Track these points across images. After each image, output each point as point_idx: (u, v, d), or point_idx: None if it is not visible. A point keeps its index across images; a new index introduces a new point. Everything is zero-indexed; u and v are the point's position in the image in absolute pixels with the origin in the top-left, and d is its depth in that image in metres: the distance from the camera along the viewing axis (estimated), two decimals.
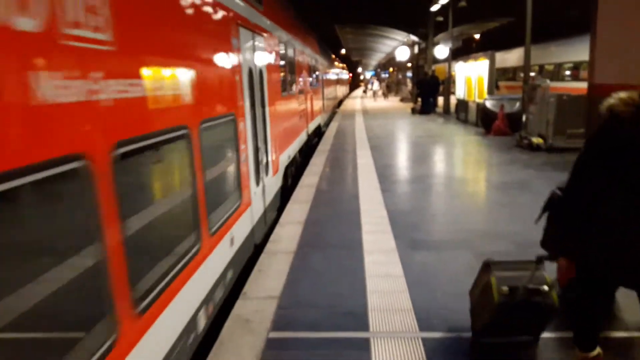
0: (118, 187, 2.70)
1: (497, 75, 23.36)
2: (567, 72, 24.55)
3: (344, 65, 61.85)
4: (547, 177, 9.95)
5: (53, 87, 2.21)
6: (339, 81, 40.82)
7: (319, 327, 4.29)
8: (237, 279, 5.44)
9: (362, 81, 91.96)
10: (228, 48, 5.43)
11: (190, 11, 4.26)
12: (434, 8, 26.30)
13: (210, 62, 4.79)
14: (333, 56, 37.39)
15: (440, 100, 27.91)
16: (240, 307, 4.69)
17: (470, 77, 21.73)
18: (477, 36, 43.04)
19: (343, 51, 63.43)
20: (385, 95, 47.00)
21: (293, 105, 11.72)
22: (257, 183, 6.78)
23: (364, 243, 6.31)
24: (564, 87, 20.58)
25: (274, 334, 4.20)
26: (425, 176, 10.61)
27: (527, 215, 7.39)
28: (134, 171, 3.24)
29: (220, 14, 5.14)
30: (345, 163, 12.42)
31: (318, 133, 18.97)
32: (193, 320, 3.86)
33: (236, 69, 5.71)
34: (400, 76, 50.45)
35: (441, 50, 28.96)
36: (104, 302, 2.59)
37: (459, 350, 3.85)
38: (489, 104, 18.00)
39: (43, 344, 2.28)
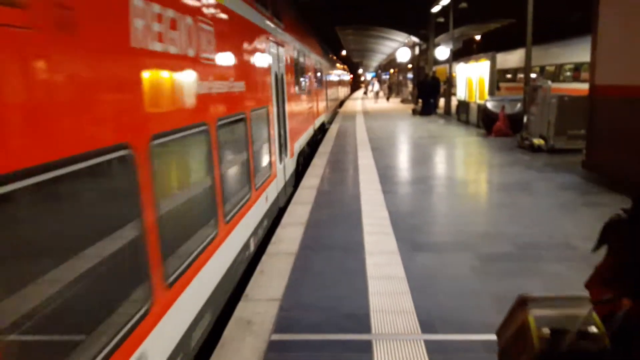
0: (224, 139, 5.06)
1: (498, 77, 23.32)
2: (568, 73, 24.55)
3: (345, 66, 61.90)
4: (548, 178, 9.96)
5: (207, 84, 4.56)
6: (340, 82, 43.81)
7: (320, 329, 4.29)
8: (239, 282, 5.45)
9: (362, 82, 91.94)
10: (265, 58, 7.62)
11: (248, 36, 6.56)
12: (435, 9, 26.33)
13: (255, 69, 7.00)
14: (335, 58, 39.48)
15: (441, 101, 27.92)
16: (242, 309, 4.68)
17: (471, 78, 21.74)
18: (477, 37, 43.07)
19: (344, 52, 63.47)
20: (387, 96, 46.88)
21: (304, 103, 14.18)
22: (280, 161, 8.94)
23: (366, 244, 6.31)
24: (564, 89, 20.58)
25: (276, 336, 4.20)
26: (427, 177, 10.61)
27: (528, 216, 7.42)
28: (228, 136, 5.35)
29: (262, 35, 7.53)
30: (347, 164, 12.43)
31: (322, 129, 20.44)
32: (247, 244, 5.85)
33: (269, 73, 7.94)
34: (400, 77, 50.43)
35: (442, 52, 28.97)
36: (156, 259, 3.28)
37: (461, 352, 3.84)
38: (490, 105, 18.00)
39: (97, 300, 2.74)
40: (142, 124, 3.21)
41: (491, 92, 19.51)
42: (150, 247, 3.19)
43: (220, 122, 4.82)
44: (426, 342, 3.98)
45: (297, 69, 12.40)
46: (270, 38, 8.20)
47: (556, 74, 25.09)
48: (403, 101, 41.80)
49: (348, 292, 4.97)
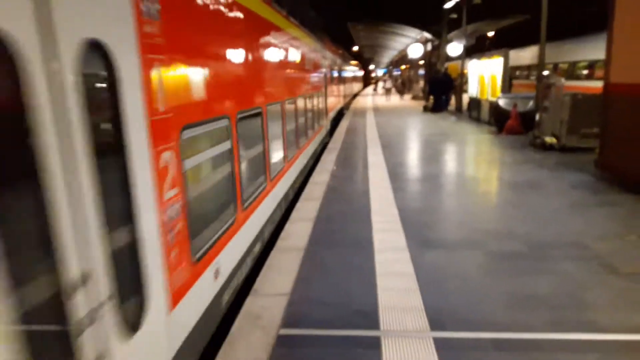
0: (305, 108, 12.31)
1: (511, 74, 23.12)
2: (583, 71, 24.29)
3: (358, 62, 61.87)
4: (560, 177, 9.86)
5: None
6: (354, 78, 51.65)
7: (329, 324, 4.28)
8: (247, 277, 5.47)
9: (373, 79, 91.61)
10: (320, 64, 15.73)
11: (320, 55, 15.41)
12: (448, 5, 26.13)
13: (319, 70, 15.41)
14: (350, 59, 46.92)
15: (452, 98, 27.74)
16: (250, 304, 4.69)
17: (484, 75, 21.58)
18: (490, 34, 42.69)
19: (355, 48, 63.23)
20: (400, 93, 46.40)
21: (335, 91, 23.58)
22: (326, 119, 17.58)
23: (375, 241, 6.29)
24: (578, 87, 20.37)
25: (284, 331, 4.20)
26: (437, 175, 10.55)
27: (539, 215, 7.36)
28: (300, 109, 10.86)
29: (322, 54, 16.60)
30: (356, 161, 12.40)
31: (340, 113, 27.80)
32: (287, 194, 8.65)
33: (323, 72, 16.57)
34: (412, 73, 50.15)
35: (454, 48, 28.77)
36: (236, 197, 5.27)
37: (470, 350, 3.82)
38: (502, 102, 17.85)
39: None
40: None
41: (503, 90, 19.36)
42: (237, 180, 5.16)
43: (291, 100, 9.62)
44: (435, 339, 3.96)
45: (334, 71, 22.32)
46: (322, 54, 16.97)
47: (570, 72, 24.85)
48: (414, 98, 41.58)
49: (357, 288, 4.97)
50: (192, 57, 3.95)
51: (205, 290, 4.07)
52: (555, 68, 25.89)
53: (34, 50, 2.05)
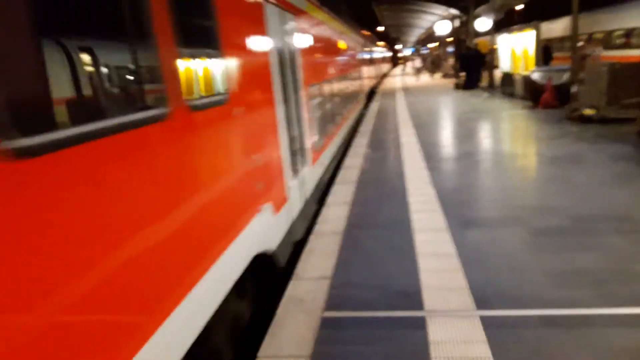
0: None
1: (549, 46, 22.40)
2: (618, 41, 23.38)
3: (385, 43, 61.17)
4: (601, 149, 9.57)
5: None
6: (383, 59, 54.79)
7: (372, 306, 4.30)
8: (289, 262, 5.53)
9: (401, 59, 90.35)
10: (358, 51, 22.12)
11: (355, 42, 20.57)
12: None
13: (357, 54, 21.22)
14: (377, 41, 50.63)
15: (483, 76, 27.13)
16: (293, 288, 4.74)
17: (515, 49, 21.03)
18: (519, 8, 41.45)
19: (381, 29, 62.39)
20: (431, 72, 45.36)
21: (367, 71, 27.31)
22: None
23: (413, 222, 6.25)
24: (614, 57, 19.66)
25: (328, 314, 4.23)
26: (472, 152, 10.39)
27: (581, 189, 7.18)
28: (346, 84, 15.36)
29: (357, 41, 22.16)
30: (389, 142, 12.30)
31: (372, 93, 29.77)
32: (350, 127, 14.92)
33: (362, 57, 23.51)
34: (441, 51, 49.22)
35: (483, 23, 28.05)
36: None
37: (519, 328, 3.78)
38: (535, 76, 17.38)
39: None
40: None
41: (537, 63, 18.84)
42: (331, 111, 10.57)
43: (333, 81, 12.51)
44: (482, 317, 3.93)
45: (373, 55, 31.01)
46: (358, 41, 22.20)
47: (605, 41, 23.96)
48: (444, 76, 40.87)
49: (398, 270, 4.96)
50: (309, 57, 8.72)
51: (322, 160, 9.01)
52: (589, 39, 25.01)
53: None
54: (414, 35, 70.37)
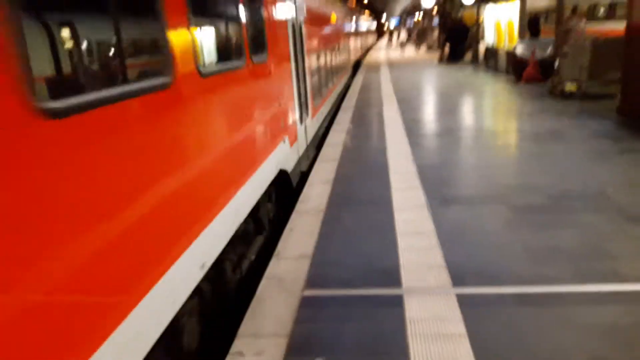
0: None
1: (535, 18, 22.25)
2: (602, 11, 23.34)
3: (370, 13, 60.50)
4: (581, 125, 9.66)
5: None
6: (369, 31, 54.26)
7: (352, 284, 4.34)
8: (268, 240, 5.56)
9: (385, 31, 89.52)
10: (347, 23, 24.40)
11: (345, 14, 22.73)
12: None
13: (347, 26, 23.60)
14: (364, 14, 50.24)
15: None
16: (274, 267, 4.77)
17: (500, 22, 20.93)
18: None
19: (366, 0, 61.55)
20: (417, 45, 44.85)
21: (360, 40, 33.39)
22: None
23: (394, 200, 6.29)
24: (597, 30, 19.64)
25: (308, 292, 4.27)
26: (455, 129, 10.42)
27: (561, 166, 7.26)
28: (340, 50, 18.72)
29: (346, 13, 23.98)
30: (372, 118, 12.27)
31: (357, 64, 30.33)
32: (344, 84, 19.31)
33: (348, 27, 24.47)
34: (426, 23, 48.82)
35: None
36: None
37: (493, 305, 3.85)
38: (519, 49, 17.37)
39: None
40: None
41: (521, 37, 18.78)
42: (331, 67, 13.99)
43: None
44: (458, 295, 4.00)
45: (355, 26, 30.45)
46: (347, 14, 23.93)
47: (590, 13, 23.92)
48: (429, 48, 40.64)
49: (378, 248, 5.00)
50: (310, 29, 10.12)
51: (318, 116, 10.87)
52: (574, 10, 24.93)
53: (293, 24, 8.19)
54: (400, 5, 69.60)
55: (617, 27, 13.12)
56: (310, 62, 9.91)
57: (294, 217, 6.02)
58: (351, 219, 5.83)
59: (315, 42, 11.12)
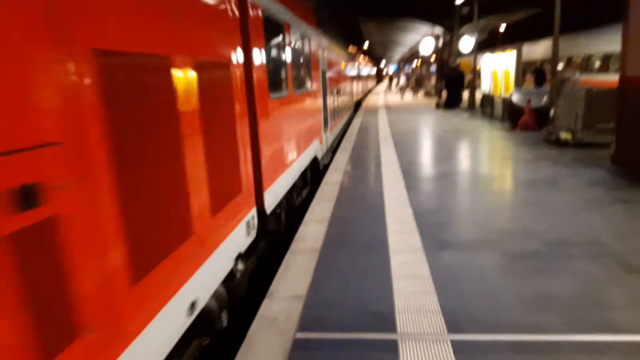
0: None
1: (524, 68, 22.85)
2: (597, 64, 23.96)
3: (370, 59, 61.85)
4: (576, 173, 9.76)
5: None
6: (369, 76, 58.88)
7: (345, 327, 4.29)
8: (263, 279, 5.52)
9: (384, 76, 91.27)
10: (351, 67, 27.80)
11: (349, 59, 25.73)
12: (460, 0, 25.94)
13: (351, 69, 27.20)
14: (367, 59, 54.46)
15: (464, 95, 27.55)
16: (266, 307, 4.71)
17: (496, 70, 21.40)
18: (501, 30, 42.31)
19: (366, 45, 63.03)
20: (414, 91, 45.25)
21: (361, 83, 37.74)
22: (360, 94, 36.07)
23: (390, 242, 6.28)
24: (592, 81, 20.11)
25: (301, 334, 4.21)
26: (451, 173, 10.50)
27: (556, 213, 7.29)
28: (344, 90, 22.06)
29: (350, 58, 27.06)
30: (369, 160, 12.37)
31: (358, 104, 33.24)
32: (348, 116, 23.59)
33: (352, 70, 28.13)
34: (424, 70, 49.84)
35: (466, 43, 28.57)
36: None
37: (488, 352, 3.80)
38: (515, 98, 17.70)
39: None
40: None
41: (517, 85, 19.18)
42: (330, 106, 14.94)
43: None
44: (453, 342, 3.95)
45: (357, 68, 32.77)
46: (351, 58, 26.91)
47: (584, 65, 24.53)
48: (426, 94, 41.36)
49: (373, 291, 4.96)
50: (330, 70, 14.65)
51: (333, 132, 15.25)
52: (568, 62, 25.60)
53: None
54: (399, 53, 71.25)
55: (611, 79, 13.46)
56: (328, 96, 14.01)
57: (288, 256, 5.99)
58: (347, 260, 5.80)
59: (332, 82, 15.44)
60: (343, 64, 20.90)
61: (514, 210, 7.77)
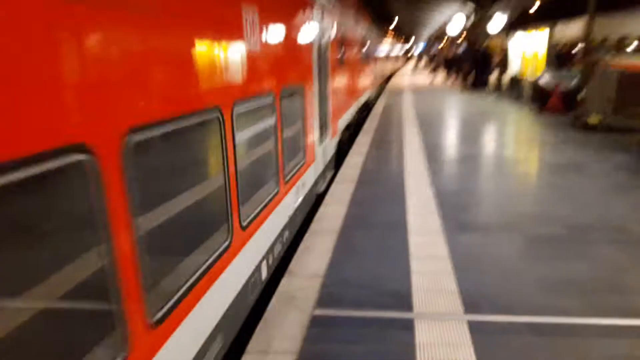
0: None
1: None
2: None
3: (399, 38, 60.99)
4: (604, 158, 9.56)
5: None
6: (397, 57, 59.85)
7: (362, 306, 4.35)
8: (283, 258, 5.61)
9: (410, 57, 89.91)
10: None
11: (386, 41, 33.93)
12: None
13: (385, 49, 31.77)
14: (398, 39, 56.12)
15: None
16: (286, 285, 4.79)
17: (526, 51, 20.92)
18: (531, 11, 41.15)
19: (394, 25, 62.05)
20: (446, 75, 43.87)
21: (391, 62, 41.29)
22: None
23: (409, 223, 6.29)
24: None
25: (319, 311, 4.29)
26: (474, 155, 10.39)
27: (580, 197, 7.19)
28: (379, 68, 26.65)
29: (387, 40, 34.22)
30: (392, 142, 12.30)
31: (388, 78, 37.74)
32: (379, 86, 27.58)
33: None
34: (453, 52, 48.81)
35: (496, 22, 27.86)
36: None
37: (505, 334, 3.82)
38: (544, 80, 17.31)
39: None
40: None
41: (548, 66, 18.74)
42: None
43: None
44: (469, 322, 3.97)
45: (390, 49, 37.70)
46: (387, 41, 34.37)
47: (619, 46, 23.74)
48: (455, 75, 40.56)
49: (390, 271, 5.00)
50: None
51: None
52: (602, 42, 24.78)
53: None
54: (426, 32, 70.03)
55: None
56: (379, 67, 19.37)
57: (307, 236, 6.06)
58: (365, 240, 5.84)
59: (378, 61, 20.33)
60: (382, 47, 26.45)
61: (537, 194, 7.68)
